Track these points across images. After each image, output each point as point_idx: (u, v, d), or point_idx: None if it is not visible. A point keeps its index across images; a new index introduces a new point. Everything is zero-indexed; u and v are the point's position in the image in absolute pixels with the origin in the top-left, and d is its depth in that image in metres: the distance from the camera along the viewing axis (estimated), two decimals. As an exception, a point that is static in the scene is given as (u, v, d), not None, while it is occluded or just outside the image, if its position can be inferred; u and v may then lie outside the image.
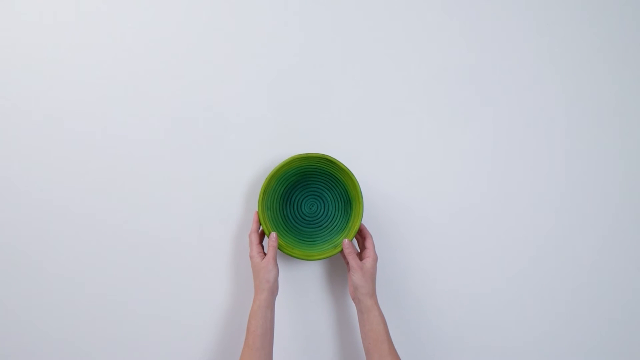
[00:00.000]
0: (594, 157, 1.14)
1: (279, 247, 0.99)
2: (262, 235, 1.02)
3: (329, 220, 1.05)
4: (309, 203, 1.05)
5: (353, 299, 0.98)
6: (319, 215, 1.06)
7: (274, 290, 0.96)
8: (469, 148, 1.11)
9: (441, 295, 1.09)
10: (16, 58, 1.02)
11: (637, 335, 1.13)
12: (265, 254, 0.98)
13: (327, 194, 1.05)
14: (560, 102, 1.14)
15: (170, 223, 1.04)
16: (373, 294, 0.96)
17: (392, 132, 1.10)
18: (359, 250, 1.04)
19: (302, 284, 1.07)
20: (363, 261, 0.98)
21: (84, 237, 1.02)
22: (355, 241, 1.05)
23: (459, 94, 1.11)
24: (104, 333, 1.01)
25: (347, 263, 1.00)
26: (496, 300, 1.10)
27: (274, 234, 0.99)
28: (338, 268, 1.08)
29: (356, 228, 1.00)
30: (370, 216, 1.07)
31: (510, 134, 1.12)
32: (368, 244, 1.01)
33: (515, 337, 1.11)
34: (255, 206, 1.05)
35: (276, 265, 0.97)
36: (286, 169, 1.00)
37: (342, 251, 1.00)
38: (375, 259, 0.99)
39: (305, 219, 1.05)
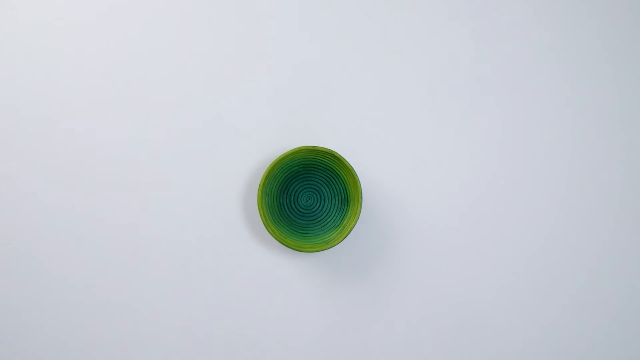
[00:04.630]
0: (600, 159, 1.10)
1: (273, 235, 1.00)
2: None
3: (324, 216, 1.05)
4: (306, 196, 1.06)
5: None
6: (314, 209, 1.06)
7: None
8: (473, 150, 1.09)
9: (439, 301, 1.08)
10: (13, 58, 1.03)
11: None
12: None
13: (325, 189, 1.05)
14: (567, 102, 1.10)
15: (170, 223, 1.05)
16: None
17: (394, 132, 1.08)
18: None
19: (296, 277, 1.07)
20: None
21: (84, 237, 1.04)
22: None
23: (464, 95, 1.09)
24: (104, 335, 1.04)
25: None
26: (498, 306, 1.09)
27: None
28: (333, 265, 1.08)
29: (351, 227, 1.00)
30: (368, 216, 1.07)
31: (517, 135, 1.09)
32: None
33: (515, 341, 1.09)
34: (254, 200, 1.05)
35: None
36: (291, 158, 1.01)
37: None
38: None
39: (300, 211, 1.06)
